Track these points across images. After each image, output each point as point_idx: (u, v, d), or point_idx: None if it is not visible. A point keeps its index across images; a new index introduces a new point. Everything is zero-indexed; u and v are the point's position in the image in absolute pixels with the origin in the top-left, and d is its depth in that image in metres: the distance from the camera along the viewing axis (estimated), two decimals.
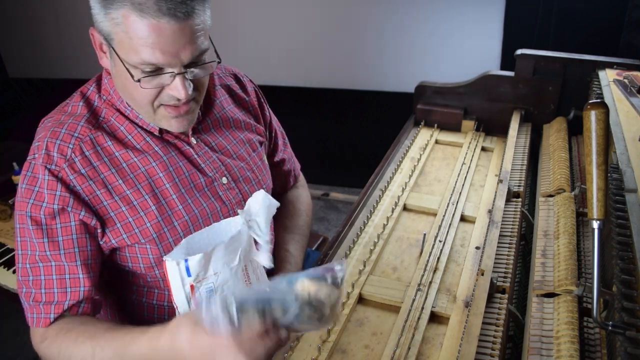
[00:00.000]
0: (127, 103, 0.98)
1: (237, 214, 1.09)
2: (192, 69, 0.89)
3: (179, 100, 0.91)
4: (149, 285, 1.05)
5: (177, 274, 0.86)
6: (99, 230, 0.94)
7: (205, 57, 0.90)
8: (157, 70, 0.87)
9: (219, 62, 0.94)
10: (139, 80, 0.87)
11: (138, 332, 0.84)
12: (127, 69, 0.87)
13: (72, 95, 1.02)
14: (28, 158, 0.94)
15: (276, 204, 0.99)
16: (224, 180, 1.06)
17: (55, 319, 0.92)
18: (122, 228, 0.95)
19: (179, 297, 0.88)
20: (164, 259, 0.86)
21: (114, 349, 0.85)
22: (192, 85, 0.91)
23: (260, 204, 0.98)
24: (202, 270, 0.87)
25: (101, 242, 0.96)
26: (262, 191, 0.98)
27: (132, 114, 0.99)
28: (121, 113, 0.99)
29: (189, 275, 0.86)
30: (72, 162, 0.92)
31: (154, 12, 0.81)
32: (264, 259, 1.02)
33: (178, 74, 0.87)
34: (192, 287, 0.87)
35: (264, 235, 1.00)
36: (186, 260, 0.85)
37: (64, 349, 0.89)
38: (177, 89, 0.88)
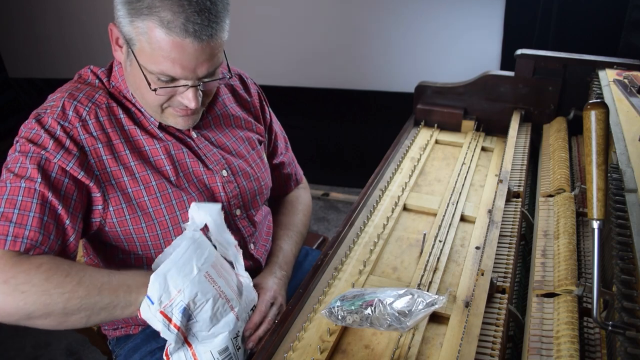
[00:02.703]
0: (132, 95, 1.02)
1: (233, 208, 1.10)
2: (204, 81, 0.93)
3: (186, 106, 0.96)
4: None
5: (146, 308, 0.87)
6: (96, 194, 0.96)
7: (217, 70, 0.95)
8: (172, 81, 0.91)
9: (229, 77, 1.01)
10: (155, 90, 0.91)
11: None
12: (144, 75, 0.91)
13: (82, 70, 1.05)
14: (37, 111, 0.96)
15: (217, 205, 0.99)
16: (224, 172, 1.08)
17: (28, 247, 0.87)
18: (121, 197, 0.98)
19: (157, 327, 0.88)
20: None
21: (102, 275, 0.88)
22: (202, 94, 0.96)
23: (200, 212, 0.98)
24: (164, 293, 0.87)
25: (99, 207, 0.97)
26: (194, 202, 1.00)
27: (138, 104, 1.02)
28: (128, 100, 1.03)
29: (152, 303, 0.86)
30: (86, 123, 0.96)
31: (180, 31, 0.85)
32: (240, 270, 1.03)
33: (192, 86, 0.92)
34: (162, 313, 0.87)
35: (221, 239, 1.00)
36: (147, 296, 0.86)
37: (54, 275, 0.84)
38: (188, 99, 0.94)
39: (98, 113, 0.97)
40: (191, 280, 0.89)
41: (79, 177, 0.93)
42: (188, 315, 0.89)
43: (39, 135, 0.92)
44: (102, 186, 0.96)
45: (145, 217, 0.99)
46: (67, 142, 0.93)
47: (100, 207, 0.97)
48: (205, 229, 0.99)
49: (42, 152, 0.91)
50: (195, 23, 0.85)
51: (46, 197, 0.89)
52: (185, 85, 0.92)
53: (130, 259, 1.06)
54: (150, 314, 0.87)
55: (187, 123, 1.02)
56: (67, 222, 0.91)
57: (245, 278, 1.03)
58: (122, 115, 1.00)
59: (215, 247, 0.99)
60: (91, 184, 0.94)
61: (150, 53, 0.88)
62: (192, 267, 0.90)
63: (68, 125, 0.94)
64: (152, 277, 0.87)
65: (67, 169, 0.92)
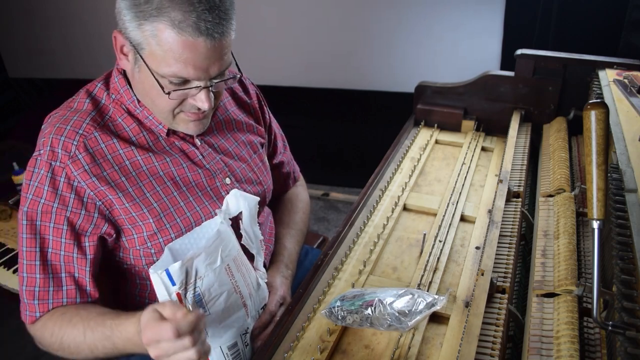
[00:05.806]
0: (137, 103, 1.00)
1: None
2: (216, 81, 0.92)
3: (199, 109, 0.95)
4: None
5: (161, 284, 0.86)
6: (105, 225, 0.96)
7: (227, 70, 0.95)
8: (185, 83, 0.90)
9: (240, 77, 0.99)
10: (169, 93, 0.90)
11: (124, 316, 0.88)
12: (156, 79, 0.90)
13: (78, 92, 1.03)
14: (34, 154, 0.96)
15: (255, 198, 1.00)
16: (227, 180, 1.08)
17: (41, 316, 0.95)
18: (127, 220, 0.97)
19: None
20: (149, 270, 0.86)
21: (102, 331, 0.89)
22: (213, 96, 0.94)
23: (238, 200, 0.99)
24: (186, 277, 0.87)
25: (111, 237, 0.98)
26: (236, 190, 1.01)
27: (142, 114, 1.00)
28: (130, 114, 1.00)
29: (173, 284, 0.86)
30: (76, 158, 0.94)
31: (192, 30, 0.84)
32: (259, 265, 1.03)
33: (204, 87, 0.91)
34: (178, 295, 0.87)
35: (250, 231, 1.00)
36: (167, 270, 0.85)
37: (57, 328, 0.93)
38: (201, 100, 0.92)
39: (87, 145, 0.95)
40: (213, 269, 0.89)
41: (80, 221, 0.94)
42: (201, 305, 0.90)
43: (32, 186, 0.94)
44: (106, 212, 0.96)
45: (151, 238, 0.99)
46: (61, 186, 0.93)
47: (112, 237, 0.99)
48: (237, 218, 0.99)
49: (40, 202, 0.93)
50: (207, 21, 0.84)
51: (45, 252, 0.94)
52: (198, 86, 0.90)
53: (135, 271, 1.07)
54: (165, 291, 0.87)
55: (198, 128, 1.00)
56: (75, 273, 0.96)
57: (262, 273, 1.04)
58: (114, 140, 0.97)
59: (241, 236, 1.00)
60: (96, 219, 0.95)
61: (161, 56, 0.86)
62: (217, 257, 0.91)
63: (60, 164, 0.93)
64: (179, 262, 0.86)
65: (67, 215, 0.93)
